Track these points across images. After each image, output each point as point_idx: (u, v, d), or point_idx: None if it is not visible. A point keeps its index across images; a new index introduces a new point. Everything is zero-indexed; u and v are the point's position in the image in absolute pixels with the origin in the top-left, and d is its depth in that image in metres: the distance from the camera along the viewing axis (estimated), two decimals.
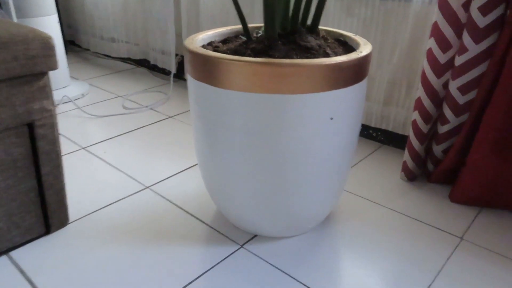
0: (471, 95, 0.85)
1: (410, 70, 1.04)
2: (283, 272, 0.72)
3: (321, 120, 0.65)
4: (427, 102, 0.89)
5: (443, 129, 0.91)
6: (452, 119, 0.89)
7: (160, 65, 1.72)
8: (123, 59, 2.00)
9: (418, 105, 0.91)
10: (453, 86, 0.85)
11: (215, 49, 0.73)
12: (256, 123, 0.65)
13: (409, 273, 0.72)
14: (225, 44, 0.77)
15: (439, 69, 0.86)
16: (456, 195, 0.90)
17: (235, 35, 0.83)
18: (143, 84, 1.69)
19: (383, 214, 0.88)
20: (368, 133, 1.22)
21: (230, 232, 0.82)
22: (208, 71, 0.65)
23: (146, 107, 1.45)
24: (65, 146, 1.17)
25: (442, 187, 0.98)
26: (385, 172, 1.05)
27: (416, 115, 0.92)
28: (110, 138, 1.22)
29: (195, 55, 0.67)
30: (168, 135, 1.25)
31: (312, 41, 0.71)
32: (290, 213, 0.74)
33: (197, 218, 0.86)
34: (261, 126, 0.65)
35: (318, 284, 0.69)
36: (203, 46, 0.76)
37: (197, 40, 0.75)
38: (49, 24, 1.43)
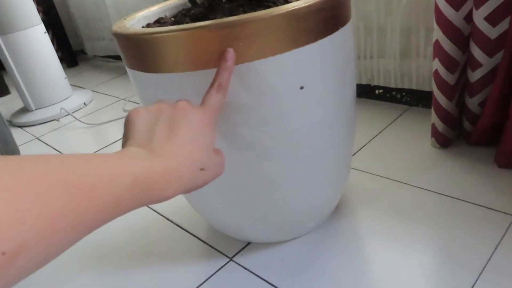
0: (504, 24, 0.64)
1: (426, 9, 0.83)
2: (274, 286, 0.58)
3: (288, 91, 0.49)
4: (448, 45, 0.69)
5: (475, 75, 0.70)
6: (484, 60, 0.68)
7: None
8: None
9: (438, 50, 0.70)
10: (479, 16, 0.64)
11: (163, 26, 0.59)
12: None
13: (449, 268, 0.54)
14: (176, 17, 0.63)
15: None
16: (504, 158, 0.70)
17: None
18: None
19: (411, 196, 0.70)
20: (391, 95, 1.03)
21: (220, 243, 0.68)
22: (137, 54, 0.51)
23: None
24: None
25: (487, 149, 0.77)
26: (413, 139, 0.85)
27: (437, 64, 0.72)
28: (106, 146, 1.12)
29: (120, 37, 0.53)
30: None
31: None
32: (277, 213, 0.59)
33: (184, 229, 0.73)
34: None
35: None
36: (148, 25, 0.62)
37: (134, 20, 0.61)
38: (35, 36, 1.36)
